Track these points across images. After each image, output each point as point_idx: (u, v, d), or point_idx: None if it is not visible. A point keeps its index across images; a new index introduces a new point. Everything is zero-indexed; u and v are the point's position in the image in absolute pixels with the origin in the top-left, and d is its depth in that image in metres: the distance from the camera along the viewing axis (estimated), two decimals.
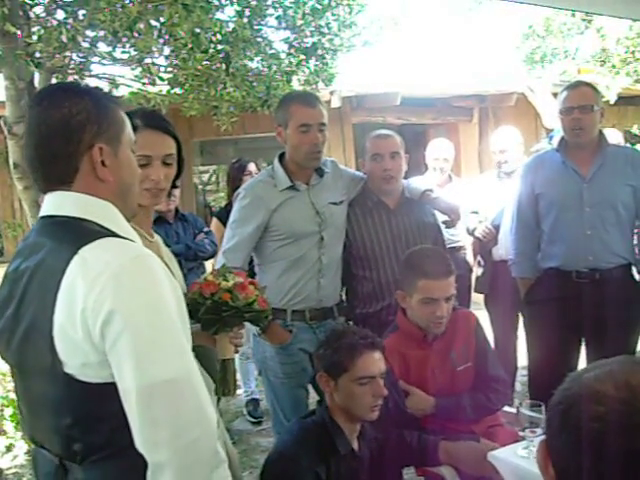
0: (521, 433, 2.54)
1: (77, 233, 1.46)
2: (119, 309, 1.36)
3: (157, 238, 2.16)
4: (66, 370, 1.40)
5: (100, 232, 1.47)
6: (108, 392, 1.39)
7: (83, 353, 1.39)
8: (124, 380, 1.37)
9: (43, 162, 1.52)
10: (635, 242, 3.67)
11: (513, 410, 3.03)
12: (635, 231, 3.66)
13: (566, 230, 3.56)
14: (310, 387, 3.30)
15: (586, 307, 3.50)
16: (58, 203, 1.53)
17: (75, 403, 1.42)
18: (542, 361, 3.65)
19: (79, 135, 1.50)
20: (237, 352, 2.34)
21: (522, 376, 4.75)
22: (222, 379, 2.21)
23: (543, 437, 1.14)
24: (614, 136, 6.28)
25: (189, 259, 4.60)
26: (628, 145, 5.12)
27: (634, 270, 3.65)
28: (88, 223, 1.49)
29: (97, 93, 1.60)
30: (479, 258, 4.82)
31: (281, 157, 3.30)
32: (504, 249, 4.37)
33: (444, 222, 3.66)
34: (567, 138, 3.59)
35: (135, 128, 1.93)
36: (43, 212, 1.56)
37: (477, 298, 5.09)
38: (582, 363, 3.68)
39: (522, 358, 4.41)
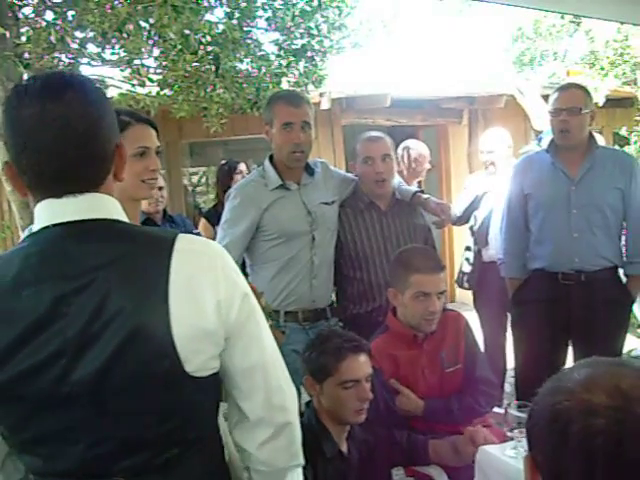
0: (509, 433, 2.55)
1: (148, 232, 1.50)
2: (248, 292, 1.46)
3: None
4: (187, 369, 1.36)
5: (167, 229, 1.51)
6: (212, 382, 1.45)
7: (214, 345, 1.41)
8: (251, 357, 1.46)
9: (80, 164, 1.37)
10: (622, 244, 3.68)
11: (501, 411, 3.04)
12: (623, 233, 3.66)
13: (553, 231, 3.57)
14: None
15: (573, 308, 3.52)
16: (90, 206, 1.38)
17: (186, 402, 1.40)
18: (529, 361, 3.67)
19: (113, 134, 1.42)
20: None
21: (511, 377, 4.75)
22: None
23: (528, 452, 1.10)
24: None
25: None
26: (617, 147, 5.14)
27: (620, 272, 3.66)
28: (132, 224, 1.47)
29: (99, 87, 1.52)
30: (468, 254, 4.83)
31: (271, 157, 3.32)
32: (494, 249, 4.38)
33: (434, 222, 3.67)
34: (555, 140, 3.61)
35: (128, 123, 1.99)
36: (68, 217, 1.36)
37: (466, 299, 5.10)
38: (569, 364, 3.69)
39: (511, 359, 4.42)
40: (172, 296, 1.33)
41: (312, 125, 3.22)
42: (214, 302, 1.38)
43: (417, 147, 5.19)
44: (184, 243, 1.40)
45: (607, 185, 3.52)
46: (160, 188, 4.81)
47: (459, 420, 3.00)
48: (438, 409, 2.99)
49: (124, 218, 1.44)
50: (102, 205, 1.40)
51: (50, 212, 1.38)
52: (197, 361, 1.38)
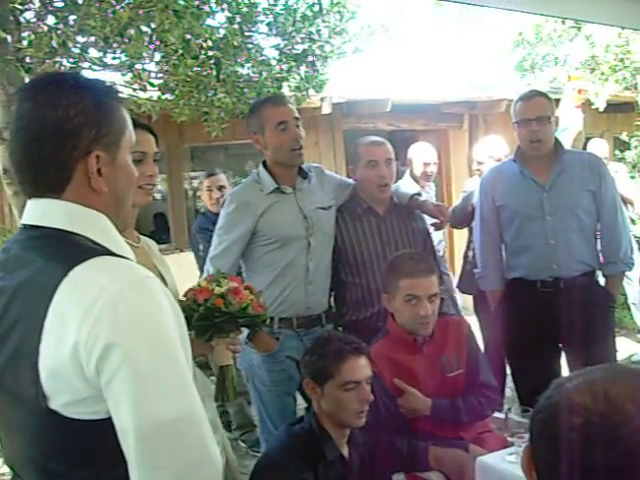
0: (510, 439, 2.55)
1: (68, 250, 1.31)
2: (117, 342, 1.21)
3: (144, 242, 2.14)
4: (50, 406, 1.25)
5: (94, 249, 1.31)
6: (99, 429, 1.26)
7: (73, 389, 1.24)
8: (121, 420, 1.23)
9: (32, 166, 1.35)
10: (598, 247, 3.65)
11: (502, 416, 3.04)
12: (597, 234, 3.63)
13: (529, 240, 3.54)
14: (298, 394, 3.30)
15: (556, 316, 3.38)
16: (45, 212, 1.36)
17: (61, 439, 1.28)
18: (523, 371, 3.63)
19: (75, 141, 1.32)
20: (235, 358, 2.34)
21: (512, 382, 4.74)
22: (221, 386, 2.22)
23: (527, 443, 1.15)
24: (600, 146, 6.30)
25: None
26: (582, 150, 5.10)
27: (599, 275, 3.66)
28: (79, 237, 1.33)
29: (99, 89, 1.40)
30: (469, 254, 4.82)
31: (264, 164, 3.31)
32: None
33: (433, 224, 3.67)
34: (525, 149, 3.57)
35: None
36: (27, 220, 1.38)
37: (467, 303, 5.10)
38: (564, 371, 3.67)
39: None
40: (47, 325, 1.24)
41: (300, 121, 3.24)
42: (71, 343, 1.21)
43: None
44: (83, 268, 1.26)
45: (578, 188, 3.49)
46: (221, 187, 4.89)
47: (464, 420, 3.00)
48: (445, 408, 2.99)
49: (83, 230, 1.35)
50: (55, 213, 1.35)
51: (25, 212, 1.41)
52: (58, 401, 1.25)
